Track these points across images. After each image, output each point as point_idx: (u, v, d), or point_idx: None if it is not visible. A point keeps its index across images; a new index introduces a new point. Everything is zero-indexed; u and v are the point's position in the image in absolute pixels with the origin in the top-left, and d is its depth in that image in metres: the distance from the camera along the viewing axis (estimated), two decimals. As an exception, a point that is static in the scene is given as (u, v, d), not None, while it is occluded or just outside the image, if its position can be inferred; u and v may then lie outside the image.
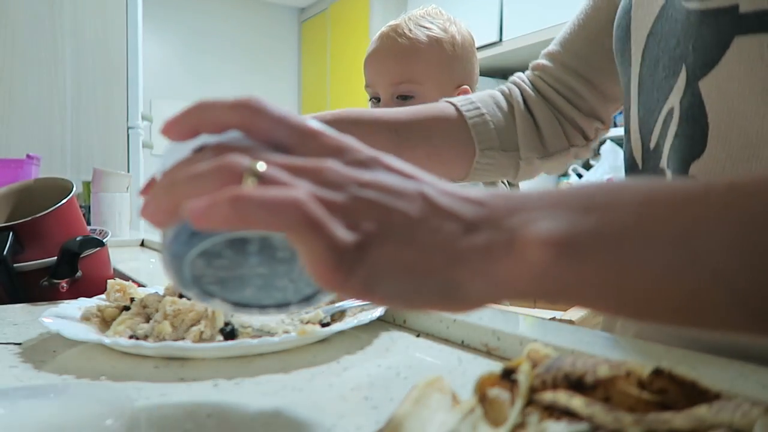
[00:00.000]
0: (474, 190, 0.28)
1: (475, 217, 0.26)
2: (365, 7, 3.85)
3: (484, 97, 0.72)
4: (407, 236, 0.26)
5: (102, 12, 2.24)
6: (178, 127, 0.30)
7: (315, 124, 0.29)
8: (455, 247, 0.26)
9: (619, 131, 1.60)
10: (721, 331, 0.28)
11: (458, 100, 0.70)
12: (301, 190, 0.25)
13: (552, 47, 0.75)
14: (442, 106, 0.68)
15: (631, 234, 0.25)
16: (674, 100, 0.49)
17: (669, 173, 0.50)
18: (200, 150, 0.29)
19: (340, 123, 0.58)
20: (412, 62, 0.96)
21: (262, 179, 0.25)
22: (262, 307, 0.32)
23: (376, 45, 1.00)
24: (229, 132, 0.29)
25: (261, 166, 0.26)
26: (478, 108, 0.69)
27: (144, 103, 2.42)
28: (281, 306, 0.32)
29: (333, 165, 0.27)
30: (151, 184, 0.32)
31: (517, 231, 0.26)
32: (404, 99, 0.97)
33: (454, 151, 0.67)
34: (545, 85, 0.73)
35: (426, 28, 0.98)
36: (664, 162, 0.51)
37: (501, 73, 3.36)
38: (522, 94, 0.73)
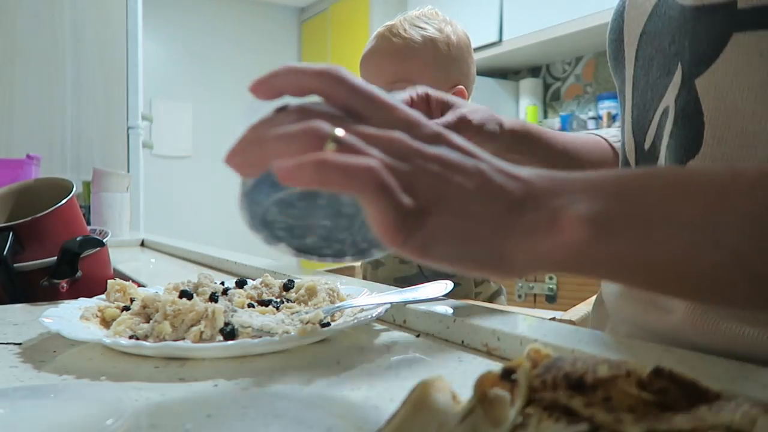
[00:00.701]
0: (524, 169, 0.31)
1: (522, 195, 0.29)
2: (365, 8, 3.85)
3: (617, 131, 0.72)
4: (462, 207, 0.29)
5: (102, 12, 2.24)
6: (265, 87, 0.32)
7: (389, 97, 0.32)
8: (503, 221, 0.29)
9: (619, 131, 1.59)
10: (737, 307, 0.34)
11: (606, 131, 0.71)
12: (374, 159, 0.28)
13: None
14: (595, 138, 0.69)
15: (659, 217, 0.29)
16: (669, 99, 0.49)
17: None
18: (282, 109, 0.32)
19: (517, 135, 0.57)
20: (407, 61, 0.96)
21: (340, 144, 0.28)
22: (321, 255, 0.35)
23: (372, 45, 1.00)
24: (310, 97, 0.32)
25: (340, 132, 0.29)
26: (618, 137, 0.69)
27: (144, 103, 2.42)
28: (337, 256, 0.36)
29: (402, 137, 0.30)
30: (237, 145, 0.33)
31: (559, 211, 0.29)
32: None
33: None
34: None
35: (421, 28, 0.98)
36: (661, 162, 0.50)
37: (501, 73, 3.36)
38: None
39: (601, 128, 2.72)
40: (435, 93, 0.46)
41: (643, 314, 0.53)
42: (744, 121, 0.43)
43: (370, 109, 0.32)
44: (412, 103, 0.44)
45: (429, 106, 0.46)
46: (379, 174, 0.28)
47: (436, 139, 0.31)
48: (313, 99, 0.32)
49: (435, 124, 0.32)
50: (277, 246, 0.35)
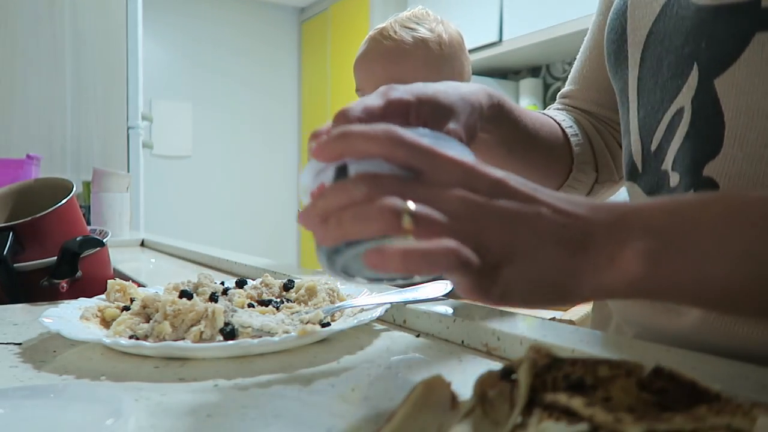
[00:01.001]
0: (581, 203, 0.34)
1: (583, 236, 0.33)
2: (365, 8, 3.85)
3: (561, 115, 0.71)
4: (530, 257, 0.32)
5: (102, 12, 2.24)
6: (327, 152, 0.35)
7: (445, 151, 0.35)
8: (568, 263, 0.32)
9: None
10: (760, 315, 0.38)
11: (554, 114, 0.69)
12: (450, 240, 0.31)
13: (570, 87, 0.74)
14: (549, 120, 0.67)
15: (712, 250, 0.32)
16: (684, 100, 0.48)
17: (675, 176, 0.49)
18: (343, 170, 0.35)
19: (493, 114, 0.54)
20: (399, 63, 0.96)
21: (415, 218, 0.31)
22: (392, 279, 0.40)
23: (364, 49, 1.00)
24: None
25: (412, 206, 0.32)
26: (567, 122, 0.68)
27: (144, 103, 2.42)
28: (407, 278, 0.42)
29: (465, 195, 0.33)
30: (311, 211, 0.35)
31: (617, 248, 0.32)
32: None
33: (555, 167, 0.66)
34: (587, 122, 0.72)
35: (412, 29, 0.98)
36: (667, 164, 0.50)
37: (501, 73, 3.36)
38: (584, 119, 0.72)
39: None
40: (407, 93, 0.44)
41: (652, 316, 0.52)
42: (766, 121, 0.43)
43: (430, 165, 0.34)
44: (388, 107, 0.43)
45: (408, 108, 0.45)
46: (459, 253, 0.30)
47: (497, 186, 0.34)
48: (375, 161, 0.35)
49: (494, 171, 0.34)
50: (353, 281, 0.39)
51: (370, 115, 0.41)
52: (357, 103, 0.41)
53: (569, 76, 0.75)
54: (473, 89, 0.50)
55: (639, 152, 0.54)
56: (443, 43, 0.99)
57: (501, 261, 0.32)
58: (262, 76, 4.59)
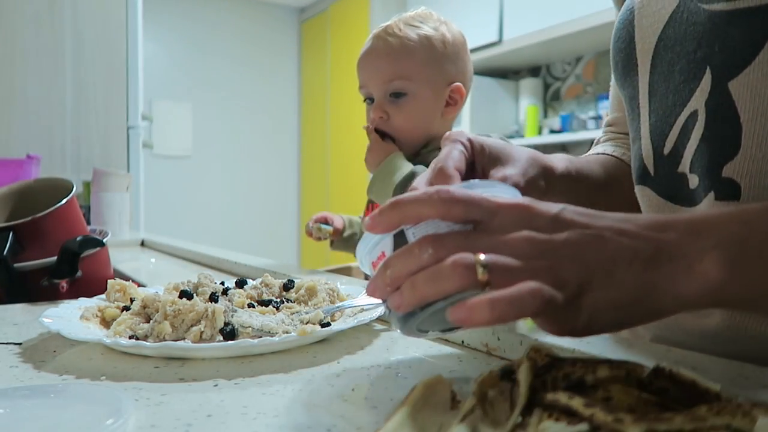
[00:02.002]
0: (640, 222, 0.34)
1: (653, 251, 0.33)
2: (365, 7, 3.85)
3: (617, 149, 0.71)
4: (606, 281, 0.32)
5: (102, 12, 2.24)
6: (383, 224, 0.36)
7: (499, 195, 0.35)
8: (646, 279, 0.32)
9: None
10: None
11: (603, 149, 0.70)
12: (529, 280, 0.31)
13: (616, 114, 0.74)
14: (609, 160, 0.68)
15: None
16: (697, 103, 0.49)
17: (693, 178, 0.49)
18: (401, 235, 0.37)
19: (570, 172, 0.57)
20: (403, 59, 0.97)
21: (489, 267, 0.32)
22: (456, 327, 0.39)
23: (368, 46, 1.01)
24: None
25: (483, 258, 0.32)
26: (620, 150, 0.69)
27: (144, 103, 2.42)
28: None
29: (530, 236, 0.33)
30: (379, 281, 0.36)
31: (695, 257, 0.32)
32: (397, 97, 0.98)
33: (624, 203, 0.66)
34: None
35: (416, 27, 0.99)
36: (684, 167, 0.50)
37: (501, 73, 3.36)
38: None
39: (601, 128, 2.72)
40: (476, 139, 0.48)
41: (675, 317, 0.52)
42: None
43: (487, 214, 0.34)
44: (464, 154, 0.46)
45: (472, 153, 0.48)
46: (543, 292, 0.30)
47: (556, 221, 0.34)
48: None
49: (550, 207, 0.35)
50: (427, 336, 0.40)
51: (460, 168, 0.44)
52: (447, 163, 0.44)
53: (609, 103, 0.75)
54: (542, 155, 0.54)
55: (650, 156, 0.55)
56: (447, 42, 1.00)
57: (580, 291, 0.32)
58: (261, 76, 4.59)
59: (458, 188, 0.36)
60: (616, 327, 0.34)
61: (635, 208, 0.61)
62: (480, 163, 0.48)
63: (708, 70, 0.48)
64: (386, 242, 0.37)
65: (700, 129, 0.48)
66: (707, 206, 0.48)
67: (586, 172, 0.60)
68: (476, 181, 0.40)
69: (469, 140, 0.47)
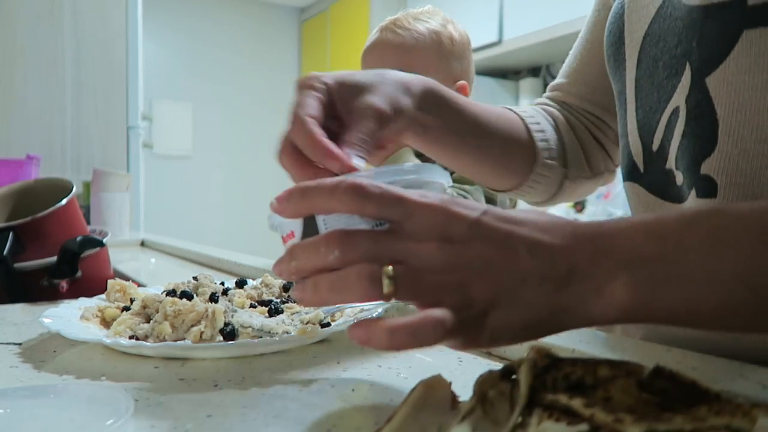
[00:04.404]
0: (564, 230, 0.33)
1: (566, 272, 0.32)
2: (365, 8, 3.85)
3: (531, 110, 0.70)
4: (513, 300, 0.32)
5: (102, 12, 2.24)
6: (289, 211, 0.35)
7: (418, 194, 0.33)
8: (554, 300, 0.32)
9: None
10: (754, 332, 0.36)
11: (524, 108, 0.69)
12: (435, 298, 0.31)
13: (561, 80, 0.74)
14: (508, 113, 0.66)
15: (699, 275, 0.31)
16: (679, 100, 0.49)
17: (678, 174, 0.49)
18: (311, 222, 0.35)
19: (430, 98, 0.52)
20: (412, 52, 0.97)
21: (396, 281, 0.31)
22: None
23: (376, 37, 1.00)
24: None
25: (391, 270, 0.31)
26: (533, 117, 0.67)
27: (144, 103, 2.42)
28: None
29: (441, 246, 0.32)
30: (284, 266, 0.35)
31: (602, 281, 0.32)
32: None
33: (515, 160, 0.64)
34: (570, 115, 0.71)
35: (425, 21, 1.00)
36: (671, 163, 0.50)
37: (501, 73, 3.36)
38: (561, 115, 0.71)
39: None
40: (333, 76, 0.44)
41: None
42: (759, 117, 0.43)
43: (403, 214, 0.33)
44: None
45: (329, 93, 0.44)
46: (446, 324, 0.30)
47: (474, 228, 0.32)
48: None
49: (471, 210, 0.33)
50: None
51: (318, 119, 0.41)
52: (299, 112, 0.42)
53: (561, 69, 0.75)
54: (407, 76, 0.50)
55: (639, 152, 0.54)
56: (454, 39, 1.00)
57: (486, 308, 0.31)
58: (262, 76, 4.59)
59: (373, 181, 0.33)
60: (520, 341, 0.33)
61: (505, 170, 0.61)
62: (341, 99, 0.45)
63: (687, 66, 0.48)
64: (297, 223, 0.36)
65: (682, 125, 0.48)
66: (691, 203, 0.48)
67: (450, 101, 0.56)
68: (409, 165, 0.38)
69: (323, 82, 0.44)
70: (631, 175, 0.56)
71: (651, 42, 0.52)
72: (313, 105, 0.43)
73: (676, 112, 0.49)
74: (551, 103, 0.73)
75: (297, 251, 0.34)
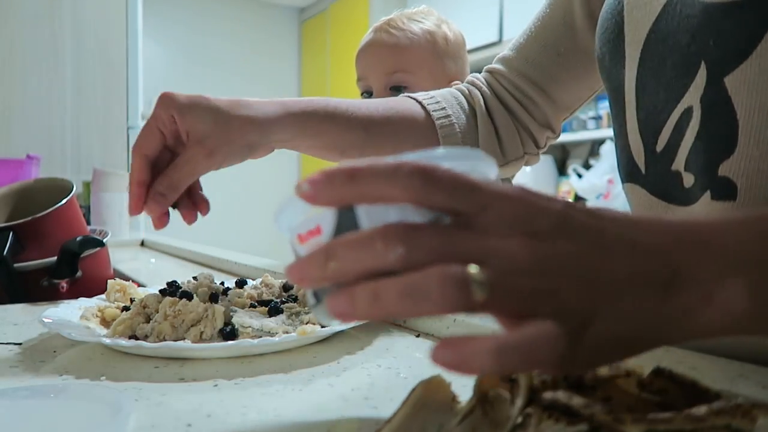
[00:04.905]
0: (664, 228, 0.28)
1: (669, 276, 0.27)
2: (365, 7, 3.85)
3: (447, 96, 0.71)
4: (612, 310, 0.26)
5: (102, 12, 2.24)
6: (330, 198, 0.27)
7: (489, 184, 0.27)
8: (658, 311, 0.26)
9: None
10: None
11: (423, 96, 0.70)
12: (544, 321, 0.25)
13: (507, 52, 0.75)
14: (410, 104, 0.68)
15: None
16: (692, 99, 0.47)
17: (688, 176, 0.48)
18: (349, 215, 0.27)
19: (314, 117, 0.56)
20: (405, 52, 0.97)
21: (491, 287, 0.24)
22: None
23: (371, 37, 1.01)
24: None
25: (480, 273, 0.24)
26: (444, 109, 0.69)
27: (144, 103, 2.42)
28: None
29: (530, 243, 0.26)
30: (312, 268, 0.27)
31: (714, 285, 0.27)
32: (398, 90, 0.97)
33: (418, 142, 0.66)
34: (502, 89, 0.73)
35: (419, 21, 1.00)
36: (678, 164, 0.49)
37: (501, 73, 3.36)
38: (483, 98, 0.72)
39: (601, 128, 2.72)
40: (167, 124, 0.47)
41: None
42: None
43: (477, 206, 0.26)
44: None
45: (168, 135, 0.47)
46: (559, 339, 0.24)
47: (562, 223, 0.26)
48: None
49: (553, 202, 0.27)
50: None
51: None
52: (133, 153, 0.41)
53: (511, 43, 0.77)
54: (265, 109, 0.55)
55: (641, 153, 0.53)
56: (449, 39, 1.00)
57: (583, 321, 0.25)
58: (261, 76, 4.59)
59: (436, 163, 0.26)
60: (618, 360, 0.28)
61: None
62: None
63: (703, 65, 0.47)
64: (327, 216, 0.28)
65: (696, 126, 0.47)
66: (703, 206, 0.47)
67: (335, 111, 0.59)
68: (441, 150, 0.29)
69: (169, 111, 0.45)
70: (632, 176, 0.55)
71: (657, 39, 0.51)
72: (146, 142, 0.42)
73: (688, 112, 0.48)
74: (482, 80, 0.75)
75: (338, 249, 0.26)
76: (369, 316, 0.25)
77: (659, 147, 0.51)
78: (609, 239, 0.27)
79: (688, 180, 0.48)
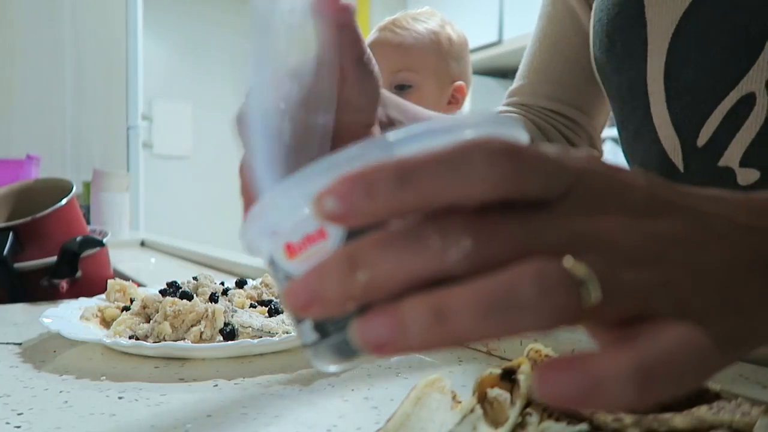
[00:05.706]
0: (737, 207, 0.23)
1: None
2: (365, 8, 3.85)
3: None
4: (729, 300, 0.21)
5: (102, 12, 2.24)
6: (362, 216, 0.18)
7: (572, 155, 0.20)
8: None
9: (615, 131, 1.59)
10: None
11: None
12: (680, 322, 0.19)
13: (520, 82, 0.68)
14: None
15: None
16: (753, 85, 0.43)
17: (746, 172, 0.44)
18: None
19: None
20: (411, 51, 0.98)
21: (605, 286, 0.18)
22: None
23: (376, 36, 1.01)
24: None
25: (585, 269, 0.17)
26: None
27: (144, 103, 2.42)
28: None
29: (632, 223, 0.20)
30: (332, 284, 0.18)
31: None
32: (402, 89, 0.98)
33: None
34: (540, 121, 0.66)
35: (423, 22, 1.01)
36: (729, 160, 0.45)
37: (501, 73, 3.35)
38: (527, 120, 0.66)
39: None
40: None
41: None
42: None
43: (561, 184, 0.19)
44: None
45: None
46: (705, 343, 0.19)
47: (653, 198, 0.21)
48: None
49: (635, 175, 0.21)
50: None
51: None
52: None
53: (517, 74, 0.70)
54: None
55: (677, 149, 0.49)
56: (452, 40, 1.01)
57: (705, 316, 0.20)
58: (262, 76, 4.59)
59: (477, 132, 0.20)
60: (747, 354, 0.22)
61: None
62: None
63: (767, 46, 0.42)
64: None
65: (761, 115, 0.43)
66: None
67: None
68: (468, 115, 0.22)
69: None
70: (666, 176, 0.50)
71: (698, 21, 0.46)
72: None
73: (747, 99, 0.44)
74: (511, 110, 0.68)
75: (368, 251, 0.18)
76: (429, 344, 0.17)
77: (701, 141, 0.47)
78: (708, 219, 0.21)
79: (748, 176, 0.44)
